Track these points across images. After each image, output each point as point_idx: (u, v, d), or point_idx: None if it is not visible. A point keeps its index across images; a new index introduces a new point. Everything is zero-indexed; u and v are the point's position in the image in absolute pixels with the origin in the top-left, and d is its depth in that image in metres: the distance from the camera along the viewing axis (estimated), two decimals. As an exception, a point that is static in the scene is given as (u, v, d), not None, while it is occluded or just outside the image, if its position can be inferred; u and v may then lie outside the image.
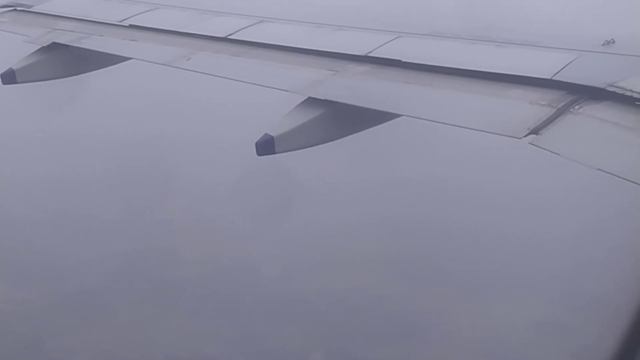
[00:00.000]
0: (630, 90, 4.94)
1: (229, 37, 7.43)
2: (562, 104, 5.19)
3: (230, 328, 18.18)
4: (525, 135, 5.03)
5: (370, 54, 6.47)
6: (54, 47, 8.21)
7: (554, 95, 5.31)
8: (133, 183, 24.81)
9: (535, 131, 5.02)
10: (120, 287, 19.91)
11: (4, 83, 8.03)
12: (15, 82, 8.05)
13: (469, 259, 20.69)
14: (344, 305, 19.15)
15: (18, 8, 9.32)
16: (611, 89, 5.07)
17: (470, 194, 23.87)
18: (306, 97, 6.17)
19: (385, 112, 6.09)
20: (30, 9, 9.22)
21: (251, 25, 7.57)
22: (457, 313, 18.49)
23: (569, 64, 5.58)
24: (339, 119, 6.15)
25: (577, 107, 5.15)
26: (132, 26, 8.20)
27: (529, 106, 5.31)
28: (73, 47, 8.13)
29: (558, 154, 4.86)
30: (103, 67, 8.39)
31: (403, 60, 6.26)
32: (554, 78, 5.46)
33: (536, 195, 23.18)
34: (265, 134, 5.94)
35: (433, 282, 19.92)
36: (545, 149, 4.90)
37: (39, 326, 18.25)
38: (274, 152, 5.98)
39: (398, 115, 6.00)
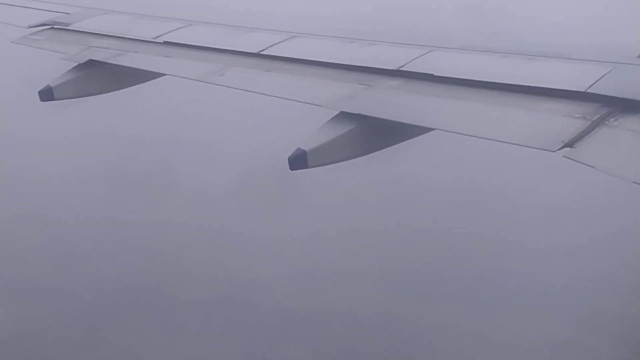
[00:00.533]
0: (667, 103, 4.88)
1: (262, 52, 7.48)
2: (597, 116, 5.14)
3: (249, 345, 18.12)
4: (560, 149, 4.98)
5: (402, 68, 6.46)
6: (91, 64, 8.33)
7: (588, 108, 5.25)
8: (167, 197, 25.05)
9: (570, 144, 4.97)
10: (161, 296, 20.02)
11: (42, 100, 8.16)
12: (53, 99, 8.18)
13: (504, 272, 20.50)
14: (381, 320, 19.09)
15: (55, 26, 9.48)
16: (647, 101, 5.01)
17: (504, 207, 23.69)
18: (338, 111, 6.18)
19: (417, 126, 6.07)
20: (67, 27, 9.37)
21: (283, 40, 7.62)
22: (486, 327, 18.30)
23: (603, 76, 5.53)
24: (372, 133, 6.15)
25: (612, 119, 5.09)
26: (166, 43, 8.30)
27: (563, 119, 5.26)
28: (109, 64, 8.24)
29: (593, 167, 4.80)
30: (138, 83, 8.48)
31: (435, 74, 6.25)
32: (588, 90, 5.41)
33: (571, 209, 22.94)
34: (298, 149, 5.95)
35: (461, 295, 19.74)
36: (580, 162, 4.85)
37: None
38: (306, 167, 5.98)
39: (431, 129, 5.97)
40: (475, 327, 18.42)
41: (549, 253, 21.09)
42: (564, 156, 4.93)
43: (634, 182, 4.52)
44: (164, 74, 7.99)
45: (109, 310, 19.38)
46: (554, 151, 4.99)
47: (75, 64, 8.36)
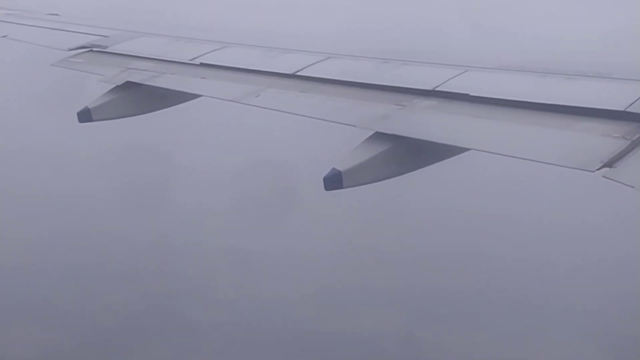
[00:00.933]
0: None
1: (297, 73, 7.51)
2: (637, 136, 5.06)
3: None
4: (599, 169, 4.90)
5: (437, 88, 6.44)
6: (128, 85, 8.44)
7: (628, 127, 5.17)
8: (201, 217, 25.19)
9: (609, 164, 4.89)
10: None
11: (80, 121, 8.27)
12: (91, 120, 8.29)
13: (537, 296, 20.21)
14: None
15: (94, 49, 9.63)
16: (688, 120, 4.92)
17: (543, 228, 23.41)
18: (373, 131, 6.17)
19: (453, 145, 6.03)
20: (105, 50, 9.52)
21: (318, 61, 7.64)
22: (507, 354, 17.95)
23: (643, 95, 5.45)
24: (407, 154, 6.12)
25: (652, 139, 5.01)
26: (202, 64, 8.38)
27: (602, 139, 5.19)
28: (146, 85, 8.34)
29: (633, 187, 4.72)
30: (175, 104, 8.57)
31: (471, 94, 6.21)
32: (627, 110, 5.33)
33: (611, 230, 22.57)
34: (333, 169, 5.94)
35: (487, 319, 19.45)
36: (619, 182, 4.77)
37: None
38: (341, 187, 5.97)
39: (466, 149, 5.93)
40: (498, 353, 18.08)
41: (586, 275, 20.75)
42: (603, 176, 4.85)
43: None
44: (200, 95, 8.06)
45: (126, 332, 19.42)
46: (593, 171, 4.92)
47: (113, 86, 8.48)
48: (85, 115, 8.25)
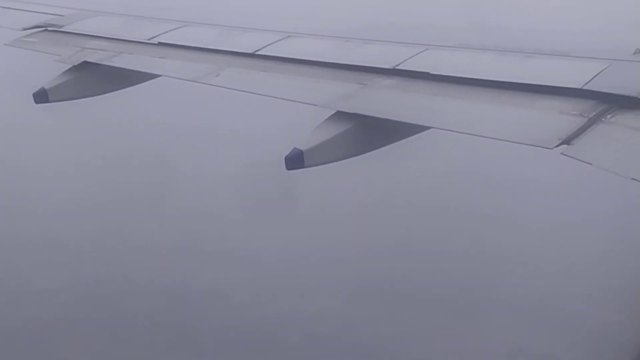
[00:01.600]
0: (663, 99, 4.87)
1: (257, 52, 7.47)
2: (594, 113, 5.13)
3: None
4: (557, 146, 4.97)
5: (398, 67, 6.46)
6: (85, 65, 8.31)
7: (585, 105, 5.25)
8: (158, 199, 24.92)
9: (567, 141, 4.97)
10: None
11: (36, 102, 8.14)
12: (48, 101, 8.16)
13: (496, 274, 20.42)
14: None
15: (49, 28, 9.45)
16: (643, 97, 5.01)
17: (501, 205, 23.68)
18: (335, 110, 6.17)
19: (414, 124, 6.06)
20: (60, 29, 9.35)
21: (279, 40, 7.61)
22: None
23: (599, 73, 5.52)
24: (368, 132, 6.15)
25: (609, 116, 5.09)
26: (160, 44, 8.28)
27: (559, 116, 5.26)
28: (103, 65, 8.23)
29: (590, 164, 4.80)
30: (133, 84, 8.46)
31: (431, 72, 6.24)
32: (584, 87, 5.41)
33: (568, 206, 22.94)
34: (295, 148, 5.95)
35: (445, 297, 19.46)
36: (577, 159, 4.85)
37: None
38: (303, 166, 5.98)
39: (427, 128, 5.97)
40: (448, 331, 18.08)
41: (543, 251, 21.04)
42: (561, 153, 4.92)
43: (632, 179, 4.52)
44: (159, 75, 7.97)
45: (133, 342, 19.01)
46: (551, 148, 4.99)
47: (70, 66, 8.34)
48: (41, 96, 8.12)
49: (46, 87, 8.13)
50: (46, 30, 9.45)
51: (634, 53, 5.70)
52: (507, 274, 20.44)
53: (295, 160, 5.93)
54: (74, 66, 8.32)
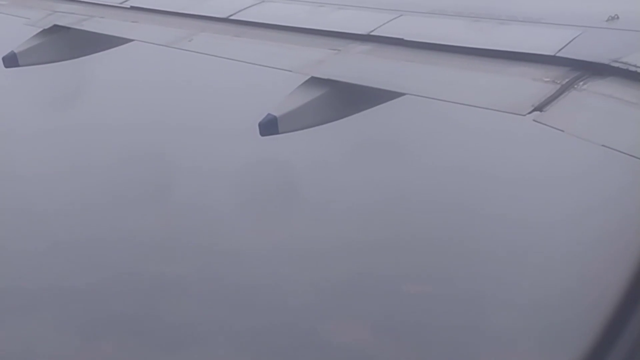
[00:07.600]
0: (635, 66, 4.91)
1: (231, 17, 7.40)
2: (566, 80, 5.17)
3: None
4: (529, 112, 5.01)
5: (372, 33, 6.44)
6: (55, 29, 8.19)
7: (557, 72, 5.28)
8: (134, 167, 24.66)
9: (539, 108, 5.00)
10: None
11: (6, 66, 8.02)
12: (18, 65, 8.04)
13: (472, 241, 20.56)
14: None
15: (18, -9, 9.28)
16: (615, 64, 5.04)
17: (474, 171, 23.82)
18: (309, 76, 6.15)
19: (388, 90, 6.07)
20: (30, -8, 9.18)
21: (253, 5, 7.54)
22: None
23: (572, 40, 5.55)
24: (342, 99, 6.14)
25: (581, 83, 5.12)
26: (133, 8, 8.17)
27: (532, 83, 5.29)
28: (74, 29, 8.11)
29: (562, 131, 4.85)
30: (105, 49, 8.36)
31: (405, 38, 6.24)
32: (557, 55, 5.43)
33: (540, 173, 23.13)
34: (269, 114, 5.93)
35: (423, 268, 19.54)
36: (549, 126, 4.89)
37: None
38: (277, 133, 5.97)
39: (401, 94, 5.98)
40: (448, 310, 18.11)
41: (518, 220, 21.19)
42: (534, 120, 4.96)
43: (603, 145, 4.57)
44: (131, 40, 7.88)
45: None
46: (523, 115, 5.02)
47: (40, 30, 8.21)
48: (11, 60, 8.00)
49: (16, 51, 8.01)
50: (15, -8, 9.28)
51: (607, 20, 5.72)
52: (466, 234, 20.56)
53: (269, 127, 5.92)
54: (44, 30, 8.19)
